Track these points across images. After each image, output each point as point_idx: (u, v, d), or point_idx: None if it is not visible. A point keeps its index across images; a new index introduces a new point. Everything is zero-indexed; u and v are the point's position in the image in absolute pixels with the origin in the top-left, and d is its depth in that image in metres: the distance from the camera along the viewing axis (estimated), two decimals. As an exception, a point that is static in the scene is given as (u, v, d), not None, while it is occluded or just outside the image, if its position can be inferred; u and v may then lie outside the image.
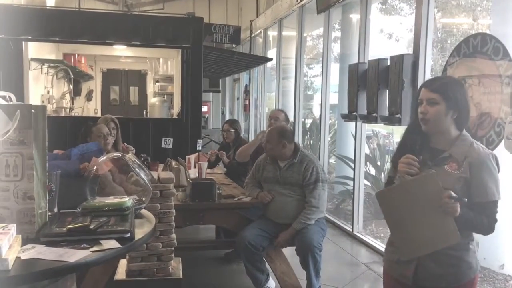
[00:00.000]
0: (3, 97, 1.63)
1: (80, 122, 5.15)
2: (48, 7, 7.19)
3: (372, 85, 4.66)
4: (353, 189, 5.59)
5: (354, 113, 5.11)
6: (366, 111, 4.83)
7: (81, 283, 2.92)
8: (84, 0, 9.79)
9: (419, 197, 1.75)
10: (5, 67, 5.58)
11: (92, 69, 11.07)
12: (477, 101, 3.40)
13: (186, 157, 4.50)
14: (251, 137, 10.23)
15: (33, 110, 1.49)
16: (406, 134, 2.04)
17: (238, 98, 12.31)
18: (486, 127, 3.30)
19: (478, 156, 1.87)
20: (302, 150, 3.65)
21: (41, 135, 1.53)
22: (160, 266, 2.64)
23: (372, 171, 6.82)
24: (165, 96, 9.76)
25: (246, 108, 11.06)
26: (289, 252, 3.64)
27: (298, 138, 7.54)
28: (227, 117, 12.22)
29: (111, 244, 1.45)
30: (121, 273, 2.67)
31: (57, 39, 6.02)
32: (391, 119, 4.30)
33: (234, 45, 11.37)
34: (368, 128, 6.19)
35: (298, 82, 7.59)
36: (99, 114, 9.48)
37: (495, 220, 1.89)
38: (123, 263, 2.72)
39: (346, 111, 5.38)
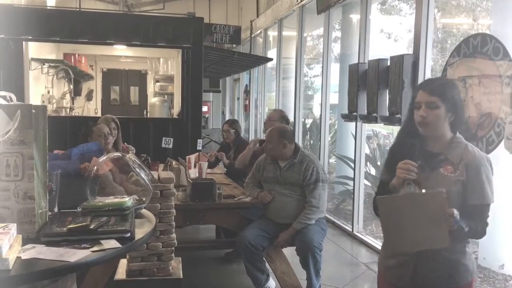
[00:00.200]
0: (4, 97, 1.63)
1: (80, 122, 5.15)
2: (48, 7, 7.19)
3: (372, 85, 4.67)
4: (353, 189, 5.59)
5: (354, 113, 5.11)
6: (366, 111, 4.83)
7: (81, 283, 2.93)
8: (84, 0, 9.79)
9: (422, 209, 1.72)
10: (6, 67, 5.58)
11: (92, 69, 11.08)
12: (477, 102, 3.40)
13: (186, 157, 4.50)
14: (251, 137, 10.24)
15: (33, 110, 1.49)
16: (402, 137, 1.99)
17: (238, 98, 12.32)
18: (486, 127, 3.30)
19: (474, 158, 1.85)
20: (302, 150, 3.65)
21: (42, 135, 1.53)
22: (160, 266, 2.64)
23: (372, 171, 6.82)
24: (166, 96, 9.77)
25: (246, 108, 11.06)
26: (289, 252, 3.64)
27: (298, 138, 7.55)
28: (227, 117, 12.22)
29: (112, 244, 1.45)
30: (121, 273, 2.67)
31: (58, 39, 6.02)
32: (391, 119, 4.31)
33: (234, 45, 11.38)
34: (368, 128, 6.20)
35: (298, 82, 7.60)
36: (99, 114, 9.48)
37: (487, 224, 1.87)
38: (123, 263, 2.72)
39: (346, 111, 5.38)
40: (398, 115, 4.16)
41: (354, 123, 5.52)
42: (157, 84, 10.14)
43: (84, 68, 9.59)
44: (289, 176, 3.54)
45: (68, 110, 8.41)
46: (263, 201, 3.58)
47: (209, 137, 9.16)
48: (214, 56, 7.61)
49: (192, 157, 4.53)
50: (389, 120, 4.38)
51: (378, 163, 6.83)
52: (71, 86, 8.91)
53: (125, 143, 4.46)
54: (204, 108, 9.73)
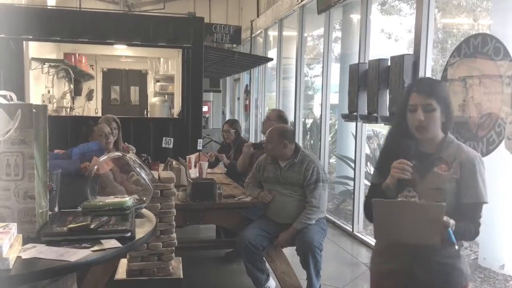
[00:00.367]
0: (4, 97, 1.63)
1: (80, 122, 5.16)
2: (49, 7, 7.20)
3: (373, 85, 4.66)
4: (354, 189, 5.59)
5: (355, 113, 5.11)
6: (366, 111, 4.83)
7: (81, 282, 2.92)
8: (84, -1, 9.79)
9: (420, 217, 1.69)
10: (6, 67, 5.58)
11: (92, 68, 11.07)
12: (478, 102, 3.40)
13: (187, 156, 4.50)
14: (252, 137, 10.25)
15: (34, 110, 1.49)
16: (394, 139, 1.95)
17: (238, 98, 12.31)
18: (487, 128, 3.30)
19: (468, 156, 1.84)
20: (302, 150, 3.65)
21: (42, 135, 1.53)
22: (161, 266, 2.64)
23: (373, 171, 6.81)
24: (166, 96, 9.77)
25: (247, 108, 11.07)
26: (290, 252, 3.64)
27: (299, 138, 7.55)
28: (227, 117, 12.22)
29: (112, 243, 1.45)
30: (121, 272, 2.67)
31: (58, 38, 6.02)
32: (392, 119, 4.30)
33: (234, 45, 11.37)
34: (368, 128, 6.19)
35: (299, 82, 7.59)
36: (99, 114, 9.49)
37: (480, 224, 1.85)
38: (123, 263, 2.72)
39: (346, 111, 5.38)
40: (399, 115, 4.15)
41: (354, 123, 5.52)
42: (158, 84, 10.14)
43: (84, 68, 9.59)
44: (290, 176, 3.54)
45: (68, 110, 8.41)
46: (264, 201, 3.58)
47: (210, 137, 9.16)
48: (215, 56, 7.61)
49: (193, 157, 4.53)
50: (389, 120, 4.37)
51: (379, 163, 6.82)
52: (72, 86, 8.91)
53: (126, 143, 4.46)
54: (205, 108, 9.72)
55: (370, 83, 4.75)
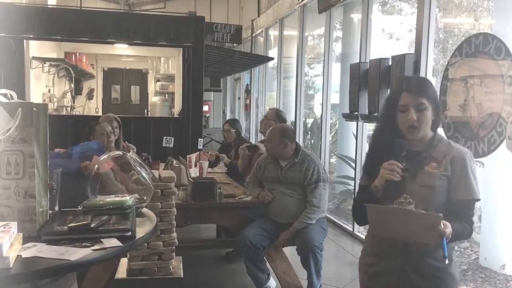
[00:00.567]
0: (5, 95, 1.63)
1: (81, 121, 5.16)
2: (49, 6, 7.20)
3: (374, 85, 4.66)
4: (354, 188, 5.59)
5: (356, 113, 5.10)
6: (367, 110, 4.83)
7: (82, 281, 2.92)
8: (85, -2, 9.79)
9: (415, 225, 1.66)
10: (7, 66, 5.58)
11: (93, 68, 11.08)
12: (479, 101, 3.39)
13: (187, 156, 4.50)
14: (252, 137, 10.25)
15: (34, 108, 1.49)
16: (382, 140, 1.89)
17: (239, 98, 12.31)
18: (488, 127, 3.29)
19: (459, 153, 1.82)
20: (303, 149, 3.65)
21: (43, 133, 1.53)
22: (161, 265, 2.64)
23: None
24: (166, 95, 9.78)
25: (247, 107, 11.06)
26: (290, 252, 3.64)
27: (299, 138, 7.54)
28: (228, 117, 12.22)
29: (112, 242, 1.45)
30: (121, 272, 2.67)
31: (59, 37, 6.02)
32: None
33: (235, 44, 11.36)
34: (369, 127, 6.18)
35: (299, 81, 7.59)
36: (100, 113, 9.49)
37: (473, 222, 1.82)
38: (123, 262, 2.72)
39: (347, 111, 5.37)
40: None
41: (355, 123, 5.52)
42: (158, 83, 10.15)
43: (85, 67, 9.59)
44: (290, 175, 3.53)
45: (69, 109, 8.42)
46: (264, 200, 3.58)
47: (210, 137, 9.16)
48: (215, 55, 7.61)
49: (193, 156, 4.53)
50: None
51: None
52: (72, 85, 8.91)
53: (126, 142, 4.47)
54: (205, 108, 9.74)
55: (371, 82, 4.74)
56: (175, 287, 2.63)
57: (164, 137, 5.22)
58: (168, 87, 9.89)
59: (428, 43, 4.18)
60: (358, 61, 5.30)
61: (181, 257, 2.85)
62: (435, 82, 5.32)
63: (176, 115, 7.26)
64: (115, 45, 7.08)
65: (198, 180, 3.71)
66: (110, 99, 12.21)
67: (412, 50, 4.46)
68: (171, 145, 5.22)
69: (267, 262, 3.58)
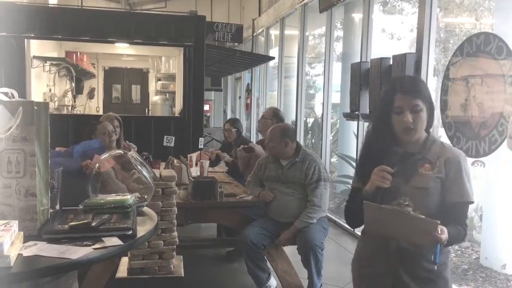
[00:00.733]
0: (6, 94, 1.63)
1: (82, 120, 5.16)
2: (50, 5, 7.20)
3: (375, 84, 4.65)
4: (355, 188, 5.57)
5: (356, 112, 5.10)
6: (368, 110, 4.82)
7: (82, 280, 2.92)
8: (86, -2, 9.78)
9: (411, 227, 1.65)
10: (8, 65, 5.58)
11: (94, 67, 11.09)
12: (480, 101, 3.39)
13: (188, 155, 4.50)
14: (252, 137, 10.25)
15: (35, 107, 1.49)
16: (376, 142, 1.86)
17: (240, 97, 12.31)
18: (489, 127, 3.29)
19: (452, 154, 1.80)
20: (304, 149, 3.64)
21: (44, 132, 1.53)
22: (162, 264, 2.64)
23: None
24: (167, 95, 9.79)
25: (248, 107, 11.06)
26: (291, 251, 3.64)
27: (300, 137, 7.54)
28: (228, 116, 12.22)
29: (113, 241, 1.45)
30: (122, 271, 2.67)
31: (60, 37, 6.02)
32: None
33: (236, 44, 11.36)
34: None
35: (300, 81, 7.59)
36: (101, 112, 9.50)
37: (467, 225, 1.80)
38: (124, 261, 2.72)
39: (348, 110, 5.37)
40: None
41: (356, 122, 5.51)
42: (159, 82, 10.16)
43: (86, 66, 9.60)
44: (291, 175, 3.53)
45: (69, 108, 8.43)
46: (265, 199, 3.58)
47: (211, 136, 9.17)
48: (216, 54, 7.61)
49: (194, 156, 4.53)
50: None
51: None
52: (73, 84, 8.92)
53: (127, 141, 4.47)
54: (206, 107, 9.73)
55: (372, 82, 4.74)
56: (175, 286, 2.64)
57: (165, 136, 5.21)
58: (169, 86, 9.89)
59: (429, 42, 4.18)
60: (359, 60, 5.30)
61: (181, 256, 2.85)
62: (436, 82, 5.32)
63: (177, 115, 7.26)
64: (116, 44, 7.09)
65: (199, 179, 3.71)
66: (111, 98, 12.22)
67: (413, 50, 4.46)
68: (172, 144, 5.21)
69: (267, 262, 3.57)
